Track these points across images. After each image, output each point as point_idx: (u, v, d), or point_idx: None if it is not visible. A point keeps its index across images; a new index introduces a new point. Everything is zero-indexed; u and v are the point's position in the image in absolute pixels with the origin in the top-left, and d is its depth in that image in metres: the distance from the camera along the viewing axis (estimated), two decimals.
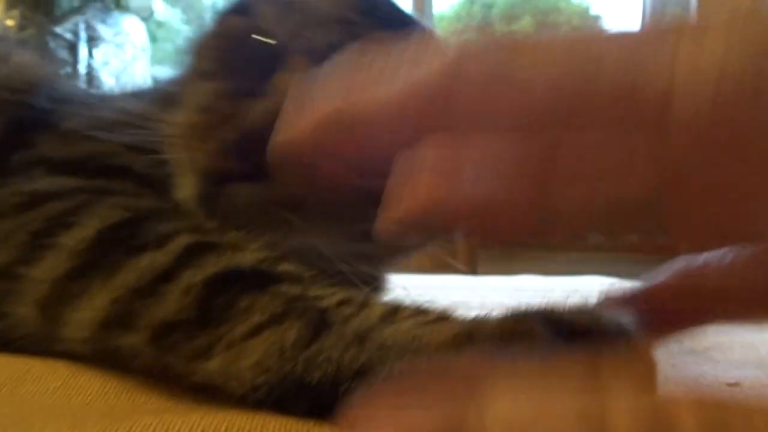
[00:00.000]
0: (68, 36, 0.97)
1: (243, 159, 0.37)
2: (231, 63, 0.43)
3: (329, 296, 0.33)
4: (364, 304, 0.33)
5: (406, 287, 1.06)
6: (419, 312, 0.32)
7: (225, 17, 0.46)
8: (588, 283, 1.34)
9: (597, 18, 4.15)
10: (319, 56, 0.35)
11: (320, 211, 0.39)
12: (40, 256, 0.35)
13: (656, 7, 2.94)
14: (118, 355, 0.32)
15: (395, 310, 0.32)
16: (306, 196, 0.38)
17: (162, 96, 0.48)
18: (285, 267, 0.35)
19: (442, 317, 0.31)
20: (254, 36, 0.42)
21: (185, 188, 0.40)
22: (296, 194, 0.37)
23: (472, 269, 1.82)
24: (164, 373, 0.31)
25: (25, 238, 0.36)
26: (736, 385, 0.40)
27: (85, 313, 0.32)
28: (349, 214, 0.36)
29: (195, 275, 0.32)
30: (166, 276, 0.32)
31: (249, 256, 0.35)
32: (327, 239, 0.40)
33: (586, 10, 4.34)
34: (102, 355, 0.33)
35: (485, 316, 0.31)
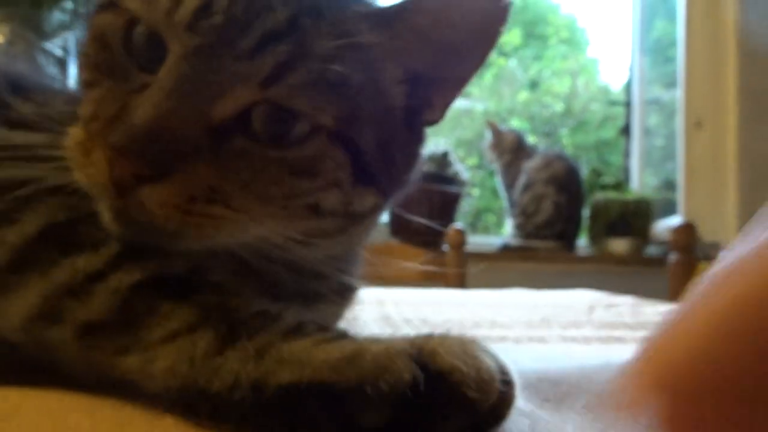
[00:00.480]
0: (58, 52, 0.96)
1: (138, 160, 0.34)
2: (107, 64, 0.39)
3: (246, 308, 0.35)
4: (275, 318, 0.35)
5: (397, 303, 1.06)
6: (320, 330, 0.34)
7: (94, 18, 0.42)
8: (576, 297, 1.35)
9: (583, 30, 4.21)
10: None
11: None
12: None
13: (644, 21, 2.98)
14: (46, 348, 0.34)
15: (299, 327, 0.34)
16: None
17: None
18: (213, 276, 0.37)
19: (339, 337, 0.33)
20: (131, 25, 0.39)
21: (102, 214, 0.37)
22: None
23: (461, 282, 1.82)
24: (88, 367, 0.34)
25: None
26: None
27: (19, 306, 0.35)
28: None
29: (123, 279, 0.34)
30: (97, 277, 0.34)
31: (179, 263, 0.37)
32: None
33: (573, 23, 4.40)
34: (32, 346, 0.35)
35: (375, 338, 0.33)
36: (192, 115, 0.36)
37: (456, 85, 0.45)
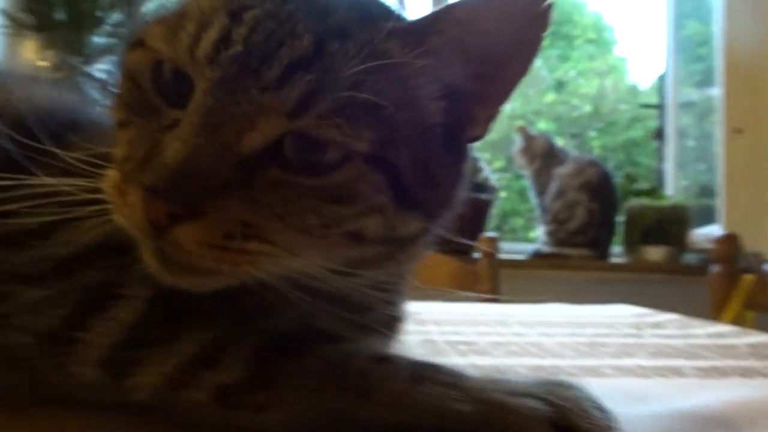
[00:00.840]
0: (101, 76, 0.97)
1: (171, 199, 0.34)
2: (139, 102, 0.39)
3: (360, 355, 0.38)
4: (392, 362, 0.37)
5: (437, 321, 1.04)
6: (438, 371, 0.37)
7: (125, 56, 0.41)
8: (617, 314, 1.31)
9: (610, 28, 4.13)
10: None
11: None
12: (93, 324, 0.37)
13: (677, 21, 2.91)
14: (179, 407, 0.37)
15: (422, 371, 0.37)
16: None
17: None
18: (318, 323, 0.40)
19: (465, 388, 0.36)
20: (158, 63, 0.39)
21: (144, 256, 0.37)
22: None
23: (494, 293, 1.79)
24: (227, 422, 0.36)
25: (70, 307, 0.38)
26: None
27: (150, 377, 0.36)
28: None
29: (246, 344, 0.37)
30: (222, 345, 0.37)
31: (287, 319, 0.39)
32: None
33: (599, 21, 4.33)
34: (164, 405, 0.37)
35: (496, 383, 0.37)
36: (220, 149, 0.35)
37: (498, 97, 0.43)
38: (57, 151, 0.40)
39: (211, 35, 0.37)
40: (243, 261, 0.36)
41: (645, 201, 2.43)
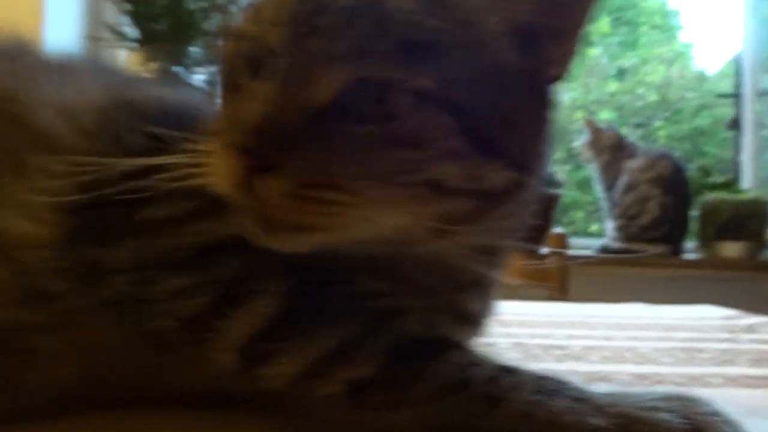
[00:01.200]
0: (204, 85, 1.01)
1: (250, 153, 0.36)
2: (232, 82, 0.42)
3: (489, 363, 0.38)
4: (521, 373, 0.38)
5: (521, 323, 1.03)
6: (562, 383, 0.37)
7: (224, 48, 0.45)
8: (704, 315, 1.26)
9: (676, 13, 3.96)
10: None
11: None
12: (233, 314, 0.39)
13: (755, 3, 2.77)
14: (309, 400, 0.38)
15: (548, 383, 0.37)
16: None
17: None
18: (438, 331, 0.42)
19: (593, 401, 0.35)
20: None
21: (243, 226, 0.38)
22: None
23: (564, 291, 1.76)
24: (353, 418, 0.37)
25: (211, 296, 0.40)
26: None
27: (286, 367, 0.38)
28: None
29: (382, 342, 0.38)
30: (358, 343, 0.38)
31: (416, 321, 0.41)
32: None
33: (663, 6, 4.16)
34: (295, 397, 0.38)
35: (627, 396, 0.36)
36: (292, 103, 0.36)
37: (571, 32, 0.42)
38: (191, 138, 0.42)
39: (272, 5, 0.39)
40: (326, 212, 0.36)
41: (721, 195, 2.33)
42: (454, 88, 0.37)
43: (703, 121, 4.27)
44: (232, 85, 0.41)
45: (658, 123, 3.75)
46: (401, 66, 0.36)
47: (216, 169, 0.38)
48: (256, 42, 0.40)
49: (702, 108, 4.32)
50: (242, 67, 0.41)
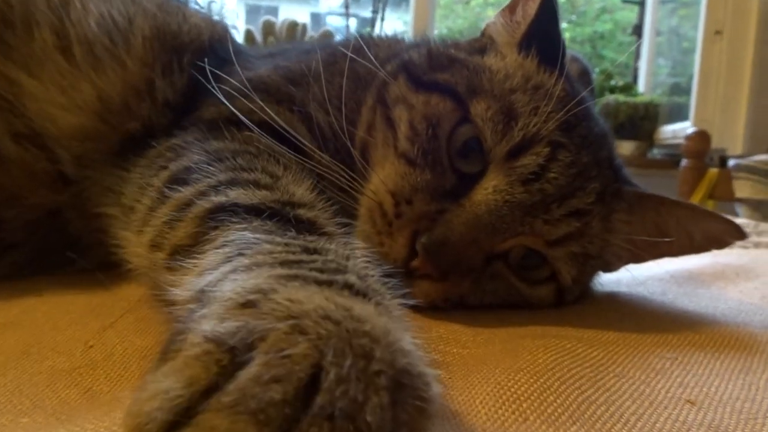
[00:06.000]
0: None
1: (435, 265, 0.46)
2: (429, 151, 0.50)
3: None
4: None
5: None
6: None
7: (430, 95, 0.52)
8: None
9: None
10: None
11: None
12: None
13: None
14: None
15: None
16: None
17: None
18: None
19: None
20: None
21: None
22: None
23: None
24: None
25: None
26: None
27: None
28: None
29: None
30: None
31: None
32: None
33: None
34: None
35: None
36: (486, 244, 0.47)
37: None
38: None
39: (533, 159, 0.47)
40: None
41: (619, 97, 2.54)
42: (577, 286, 0.53)
43: (604, 26, 4.47)
44: (429, 153, 0.49)
45: (563, 25, 3.88)
46: (571, 263, 0.50)
47: (380, 228, 0.47)
48: (486, 148, 0.48)
49: (603, 12, 4.50)
50: (449, 150, 0.48)
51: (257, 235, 0.32)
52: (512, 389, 0.34)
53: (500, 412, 0.33)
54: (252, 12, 4.62)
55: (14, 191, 0.53)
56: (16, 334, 0.42)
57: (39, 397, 0.32)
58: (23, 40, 0.53)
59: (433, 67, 0.53)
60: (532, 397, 0.34)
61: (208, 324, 0.23)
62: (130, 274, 0.49)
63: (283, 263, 0.29)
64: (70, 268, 0.54)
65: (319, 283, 0.27)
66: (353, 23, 3.00)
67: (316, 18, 5.25)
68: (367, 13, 2.83)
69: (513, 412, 0.33)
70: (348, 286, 0.28)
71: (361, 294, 0.28)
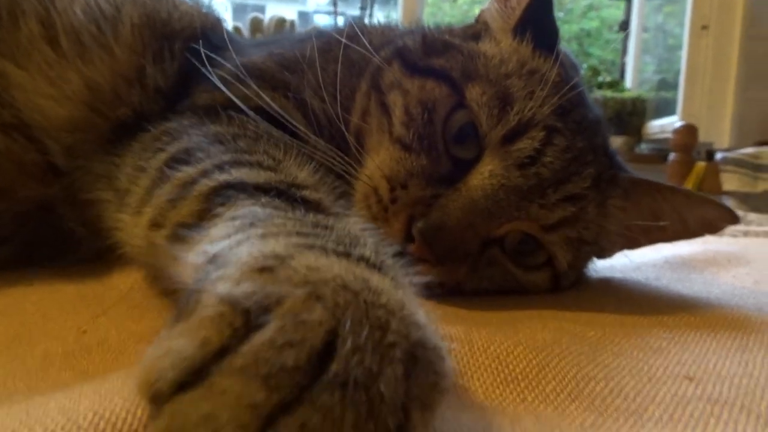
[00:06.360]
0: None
1: (431, 250, 0.45)
2: (424, 137, 0.50)
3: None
4: None
5: None
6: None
7: (424, 80, 0.52)
8: None
9: None
10: None
11: None
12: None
13: None
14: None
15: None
16: None
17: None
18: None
19: None
20: None
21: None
22: None
23: None
24: None
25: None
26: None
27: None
28: None
29: None
30: None
31: None
32: None
33: None
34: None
35: None
36: (482, 229, 0.47)
37: None
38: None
39: (528, 143, 0.47)
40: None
41: (607, 93, 2.56)
42: (573, 272, 0.54)
43: (591, 23, 4.50)
44: (424, 137, 0.48)
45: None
46: (564, 247, 0.50)
47: (377, 213, 0.46)
48: (480, 133, 0.47)
49: (590, 9, 4.53)
50: (445, 135, 0.48)
51: (268, 210, 0.31)
52: (510, 366, 0.34)
53: (498, 391, 0.33)
54: (239, 10, 4.60)
55: (3, 184, 0.53)
56: (6, 321, 0.41)
57: (33, 380, 0.32)
58: (9, 30, 0.53)
59: (428, 53, 0.53)
60: (530, 375, 0.34)
61: (224, 286, 0.23)
62: (121, 263, 0.49)
63: (299, 233, 0.28)
64: (60, 261, 0.53)
65: (337, 254, 0.26)
66: (341, 21, 2.99)
67: (304, 16, 5.24)
68: (354, 11, 2.84)
69: (511, 392, 0.32)
70: (364, 259, 0.27)
71: (377, 268, 0.27)
